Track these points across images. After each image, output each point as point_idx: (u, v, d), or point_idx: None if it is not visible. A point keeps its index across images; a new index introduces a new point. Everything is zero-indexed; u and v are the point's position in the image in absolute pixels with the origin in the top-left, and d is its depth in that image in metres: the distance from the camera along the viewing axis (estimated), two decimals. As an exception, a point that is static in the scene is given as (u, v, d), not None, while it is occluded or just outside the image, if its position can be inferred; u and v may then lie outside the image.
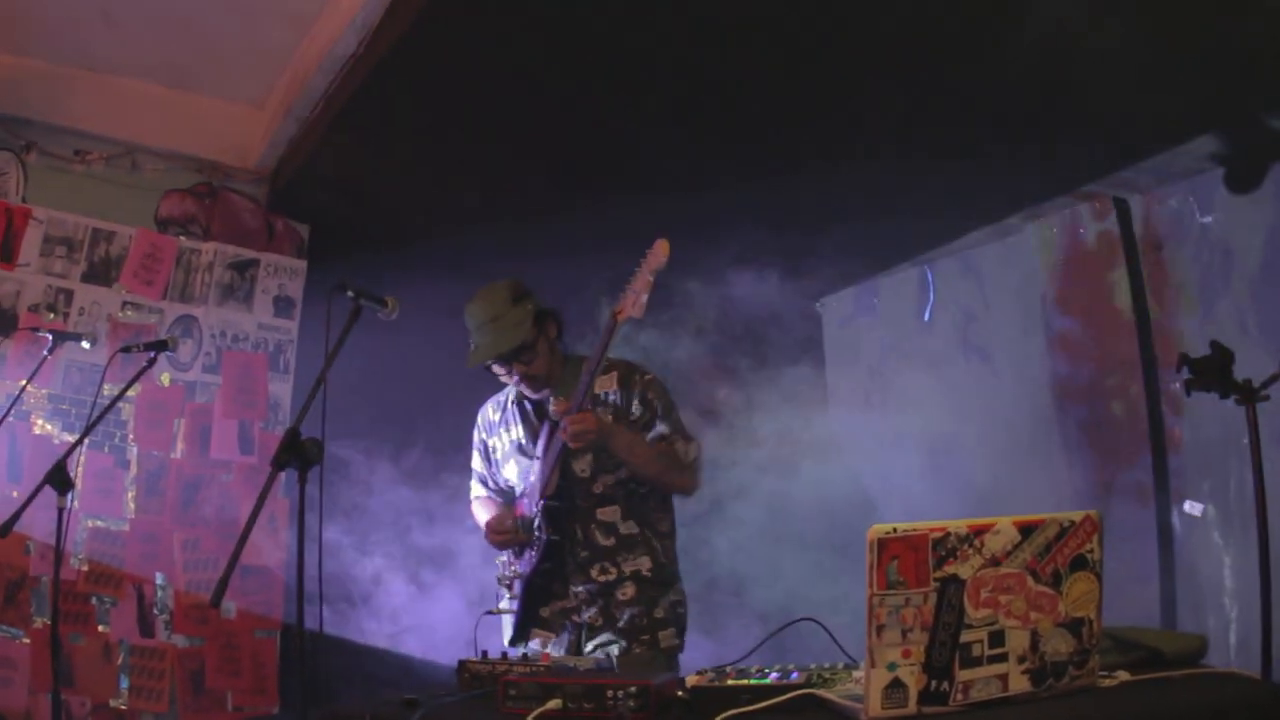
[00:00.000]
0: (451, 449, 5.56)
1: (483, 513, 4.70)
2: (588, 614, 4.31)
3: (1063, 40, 4.85)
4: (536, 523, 4.26)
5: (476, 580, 6.22)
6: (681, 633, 4.39)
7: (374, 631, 6.63)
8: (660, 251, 3.96)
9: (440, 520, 6.43)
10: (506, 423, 4.65)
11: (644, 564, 4.33)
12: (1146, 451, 6.13)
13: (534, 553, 4.29)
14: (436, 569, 6.55)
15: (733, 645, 4.53)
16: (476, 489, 4.86)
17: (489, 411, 4.77)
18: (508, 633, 4.46)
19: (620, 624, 4.28)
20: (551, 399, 4.34)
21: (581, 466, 4.33)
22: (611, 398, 4.41)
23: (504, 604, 4.48)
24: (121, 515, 6.21)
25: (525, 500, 4.42)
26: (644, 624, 4.28)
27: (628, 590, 4.29)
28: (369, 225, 7.06)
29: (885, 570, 2.13)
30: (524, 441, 4.54)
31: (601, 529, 4.34)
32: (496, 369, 4.41)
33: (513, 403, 4.64)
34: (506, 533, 4.35)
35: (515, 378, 4.39)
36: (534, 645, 4.37)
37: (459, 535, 6.22)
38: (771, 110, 5.62)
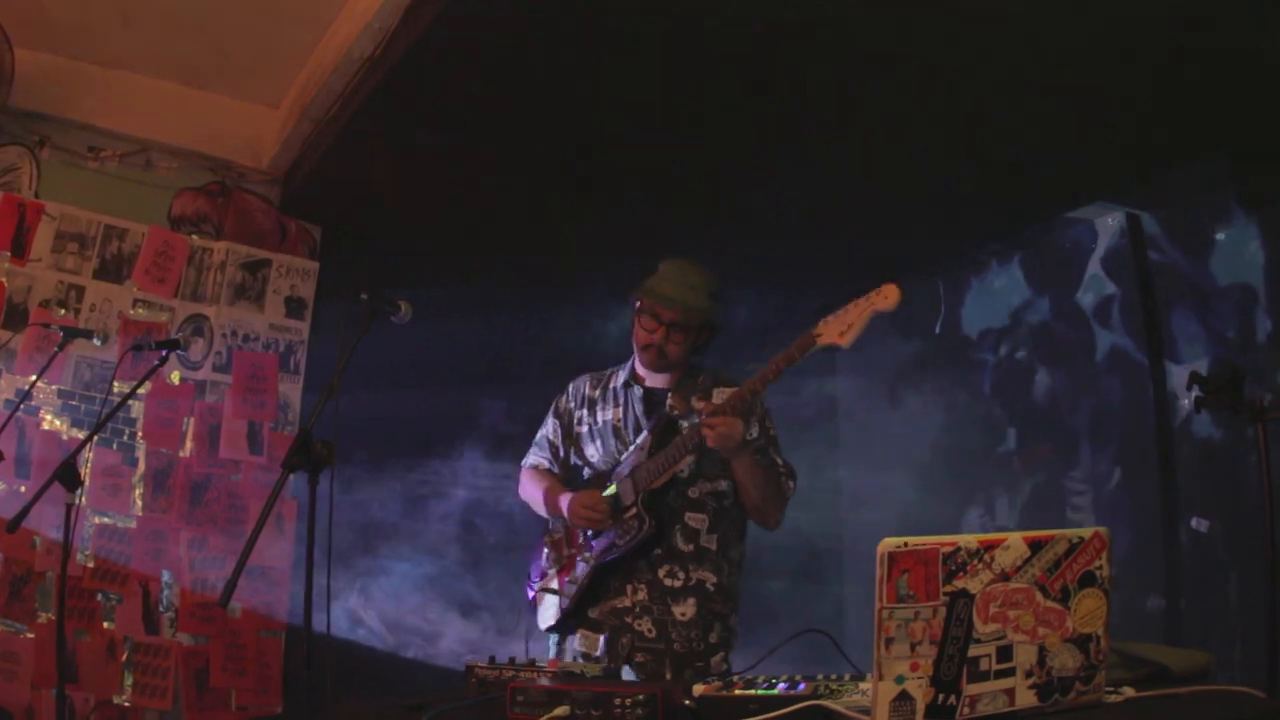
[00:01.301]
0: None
1: (537, 481, 4.59)
2: (641, 623, 4.20)
3: (1074, 54, 4.87)
4: (635, 510, 4.18)
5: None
6: (728, 658, 4.27)
7: (380, 633, 6.64)
8: (890, 295, 3.58)
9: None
10: (606, 401, 4.53)
11: (710, 578, 4.25)
12: (1154, 466, 6.14)
13: (616, 538, 4.21)
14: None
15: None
16: (537, 457, 4.73)
17: (586, 386, 4.65)
18: (549, 615, 4.39)
19: (675, 645, 4.17)
20: (670, 395, 4.30)
21: (683, 467, 4.22)
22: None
23: (553, 584, 4.39)
24: (129, 512, 6.21)
25: (615, 484, 4.29)
26: (700, 649, 4.18)
27: (688, 610, 4.19)
28: (382, 228, 7.08)
29: (895, 584, 2.13)
30: (621, 425, 4.45)
31: (685, 533, 4.25)
32: (660, 312, 4.25)
33: (622, 385, 4.53)
34: (599, 512, 4.24)
35: (650, 340, 4.28)
36: (576, 645, 4.30)
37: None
38: (781, 118, 5.64)
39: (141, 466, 6.30)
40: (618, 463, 4.36)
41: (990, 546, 2.23)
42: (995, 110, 5.39)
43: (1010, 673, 2.25)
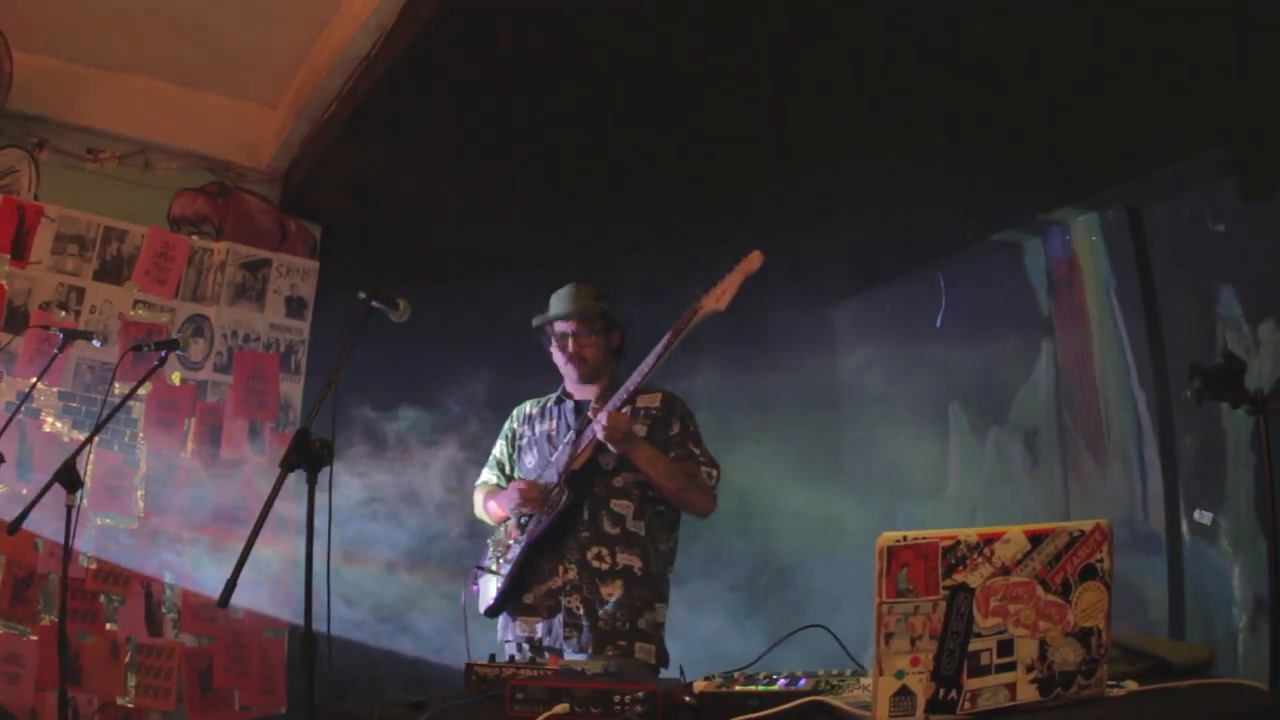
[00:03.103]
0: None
1: (486, 494, 4.84)
2: (571, 599, 4.37)
3: (1073, 48, 4.86)
4: (558, 489, 4.40)
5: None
6: (661, 656, 4.42)
7: (382, 632, 6.63)
8: (755, 259, 4.16)
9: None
10: (543, 417, 4.82)
11: (636, 563, 4.42)
12: (1155, 460, 6.13)
13: (545, 515, 4.41)
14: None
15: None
16: (487, 475, 4.99)
17: (527, 406, 4.94)
18: (487, 599, 4.59)
19: (600, 621, 4.33)
20: (593, 402, 4.57)
21: (607, 459, 4.45)
22: (654, 412, 4.58)
23: (492, 567, 4.59)
24: (130, 514, 6.22)
25: (545, 475, 4.57)
26: (625, 629, 4.33)
27: (614, 590, 4.37)
28: (382, 226, 7.09)
29: (894, 578, 2.12)
30: (552, 434, 4.70)
31: (610, 517, 4.46)
32: (558, 327, 4.65)
33: (555, 402, 4.81)
34: (531, 490, 4.49)
35: (565, 355, 4.62)
36: (516, 631, 4.48)
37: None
38: (782, 112, 5.63)
39: (143, 468, 6.30)
40: (550, 465, 4.60)
41: (990, 540, 2.22)
42: (999, 103, 5.38)
43: (1011, 667, 2.24)
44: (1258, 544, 5.43)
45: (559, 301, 4.69)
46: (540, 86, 5.48)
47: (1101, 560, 2.35)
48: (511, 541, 4.54)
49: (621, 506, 4.47)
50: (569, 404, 4.75)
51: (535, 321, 4.74)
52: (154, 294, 6.54)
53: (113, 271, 6.45)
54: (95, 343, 5.65)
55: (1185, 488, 6.00)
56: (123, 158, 6.63)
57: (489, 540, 4.71)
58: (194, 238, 6.76)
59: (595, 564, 4.39)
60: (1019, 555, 2.25)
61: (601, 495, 4.47)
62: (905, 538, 2.14)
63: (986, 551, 2.21)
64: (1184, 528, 5.96)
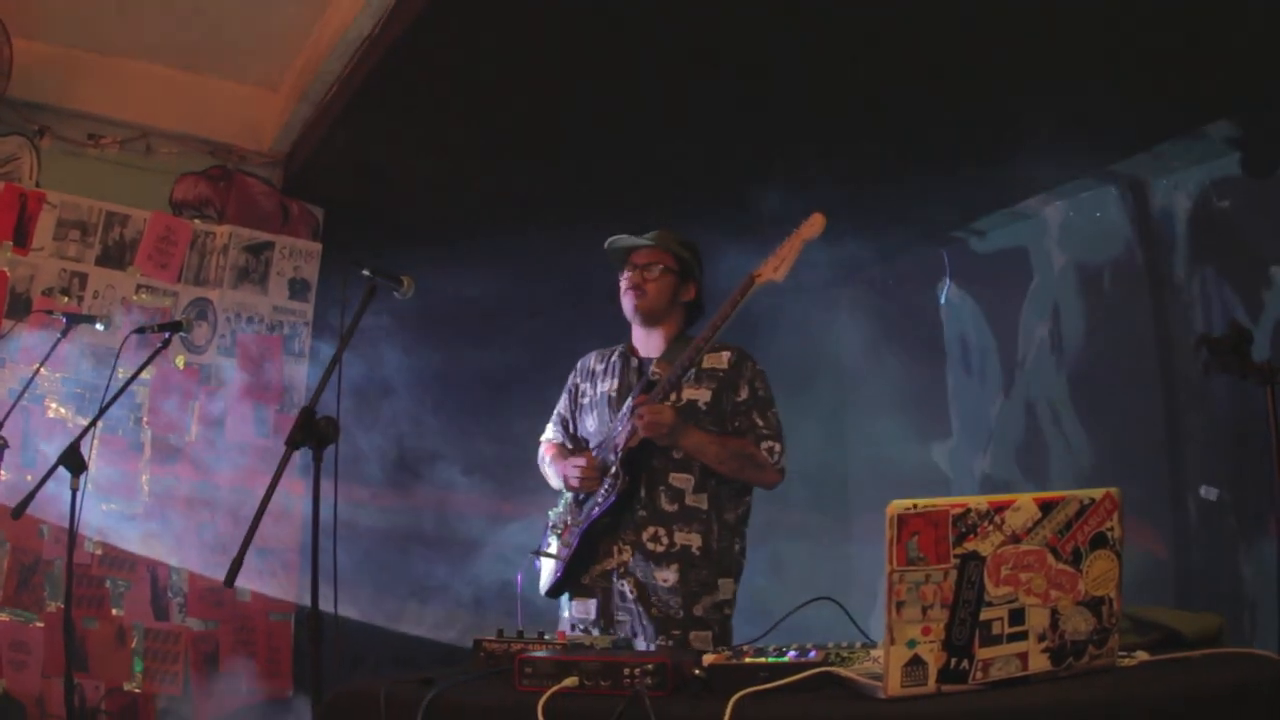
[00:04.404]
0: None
1: (549, 456, 4.64)
2: (625, 583, 4.20)
3: (1080, 21, 4.84)
4: (614, 469, 4.20)
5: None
6: (721, 641, 4.17)
7: (390, 612, 6.64)
8: (816, 223, 3.94)
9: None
10: (606, 374, 4.58)
11: (695, 541, 4.20)
12: (1163, 435, 6.12)
13: (602, 499, 4.22)
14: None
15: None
16: (551, 431, 4.77)
17: (592, 360, 4.70)
18: (546, 580, 4.42)
19: (653, 608, 4.15)
20: (655, 362, 4.34)
21: None
22: (719, 374, 4.34)
23: (553, 549, 4.40)
24: (136, 498, 6.21)
25: (599, 451, 4.36)
26: (679, 617, 4.14)
27: (670, 575, 4.16)
28: (384, 208, 7.07)
29: (905, 546, 2.11)
30: (614, 396, 4.47)
31: (669, 493, 4.23)
32: (629, 261, 4.49)
33: (619, 355, 4.59)
34: (588, 469, 4.29)
35: (627, 283, 4.45)
36: (574, 612, 4.33)
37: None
38: (785, 92, 5.61)
39: (148, 452, 6.30)
40: (608, 439, 4.37)
41: (1000, 508, 2.21)
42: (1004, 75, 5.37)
43: (1023, 636, 2.23)
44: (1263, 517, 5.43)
45: (628, 236, 4.50)
46: (543, 67, 5.46)
47: (1112, 529, 2.34)
48: (569, 520, 4.35)
49: (681, 480, 4.24)
50: (633, 361, 4.52)
51: (608, 244, 4.53)
52: (157, 278, 6.53)
53: (115, 257, 6.45)
54: (98, 327, 5.64)
55: (1191, 461, 5.99)
56: (124, 143, 6.62)
57: (550, 514, 4.51)
58: (196, 221, 6.75)
59: (650, 546, 4.18)
60: (1029, 523, 2.24)
61: (660, 469, 4.25)
62: (916, 505, 2.13)
63: (997, 519, 2.20)
64: (1190, 503, 5.95)
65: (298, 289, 6.94)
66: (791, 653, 2.51)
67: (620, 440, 4.23)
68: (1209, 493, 5.84)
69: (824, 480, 8.00)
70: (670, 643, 4.08)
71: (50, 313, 5.91)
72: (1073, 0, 4.67)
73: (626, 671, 2.43)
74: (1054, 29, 4.89)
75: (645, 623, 4.15)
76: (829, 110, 5.76)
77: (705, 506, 4.25)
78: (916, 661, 2.13)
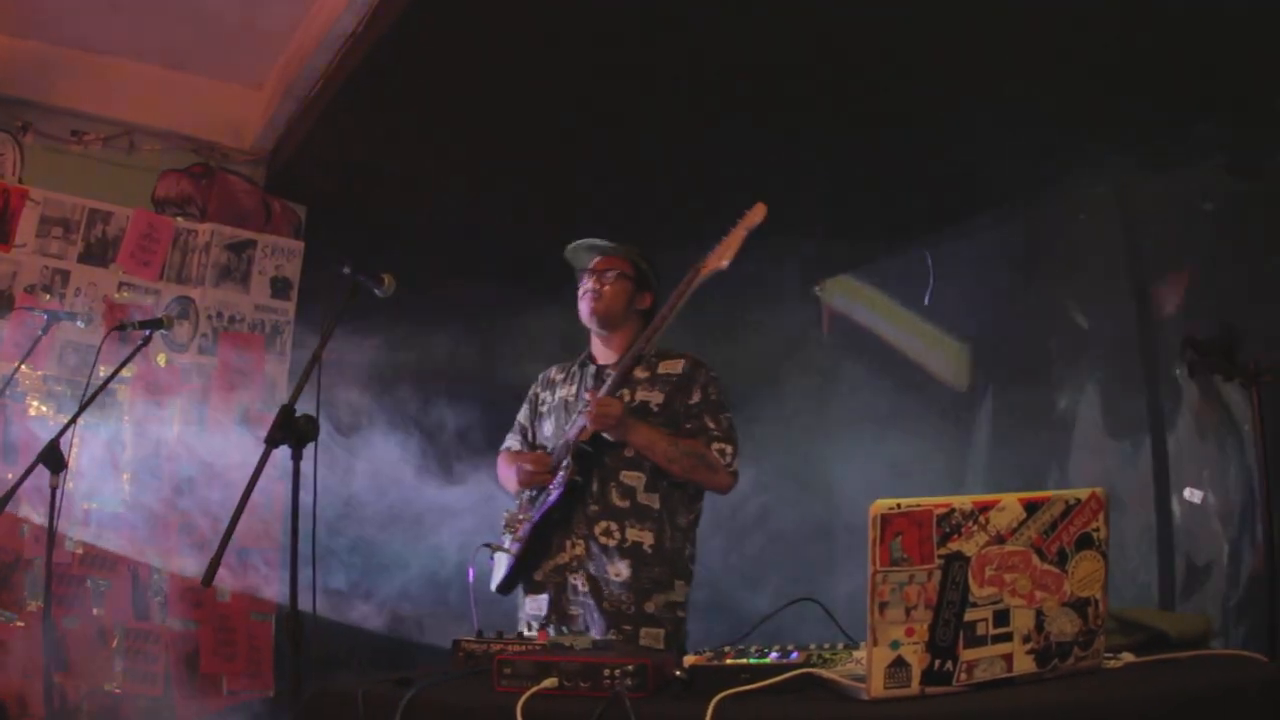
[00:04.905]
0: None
1: (505, 461, 4.68)
2: (577, 577, 4.24)
3: (1061, 22, 4.84)
4: (565, 462, 4.23)
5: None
6: (674, 640, 4.21)
7: (369, 612, 6.59)
8: (758, 212, 4.04)
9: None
10: (565, 381, 4.64)
11: (647, 539, 4.23)
12: (1146, 435, 6.11)
13: (552, 494, 4.26)
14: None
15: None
16: (510, 441, 4.80)
17: (553, 371, 4.77)
18: (498, 575, 4.45)
19: (605, 602, 4.18)
20: (611, 366, 4.41)
21: None
22: (674, 378, 4.40)
23: (506, 545, 4.44)
24: (117, 497, 6.18)
25: (554, 452, 4.41)
26: (630, 612, 4.16)
27: (622, 570, 4.19)
28: (367, 206, 7.04)
29: (889, 546, 2.10)
30: (571, 400, 4.52)
31: (620, 490, 4.27)
32: (584, 268, 4.58)
33: (578, 364, 4.65)
34: (539, 464, 4.38)
35: (586, 289, 4.51)
36: (527, 609, 4.36)
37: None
38: (771, 89, 5.60)
39: (129, 450, 6.26)
40: (562, 435, 4.43)
41: (985, 508, 2.20)
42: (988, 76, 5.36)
43: (1008, 638, 2.22)
44: (1248, 518, 5.42)
45: (585, 243, 4.59)
46: (529, 63, 5.44)
47: (1098, 529, 2.33)
48: (522, 517, 4.40)
49: (632, 478, 4.28)
50: (591, 369, 4.59)
51: (569, 249, 4.61)
52: (139, 276, 6.50)
53: (98, 254, 6.42)
54: (79, 324, 5.63)
55: (1175, 464, 5.98)
56: (107, 140, 6.59)
57: (504, 520, 4.54)
58: (178, 219, 6.72)
59: (603, 540, 4.21)
60: (1014, 523, 2.23)
61: (612, 466, 4.28)
62: (899, 505, 2.11)
63: (981, 519, 2.19)
64: (1174, 505, 5.94)
65: (279, 287, 6.90)
66: (773, 654, 2.49)
67: (572, 435, 4.27)
68: (1193, 495, 5.83)
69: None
70: (621, 637, 4.11)
71: (32, 310, 5.89)
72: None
73: (606, 672, 2.42)
74: (1037, 29, 4.90)
75: (597, 616, 4.18)
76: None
77: (657, 506, 4.30)
78: (900, 663, 2.12)
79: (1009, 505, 2.23)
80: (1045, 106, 5.49)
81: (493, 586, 4.47)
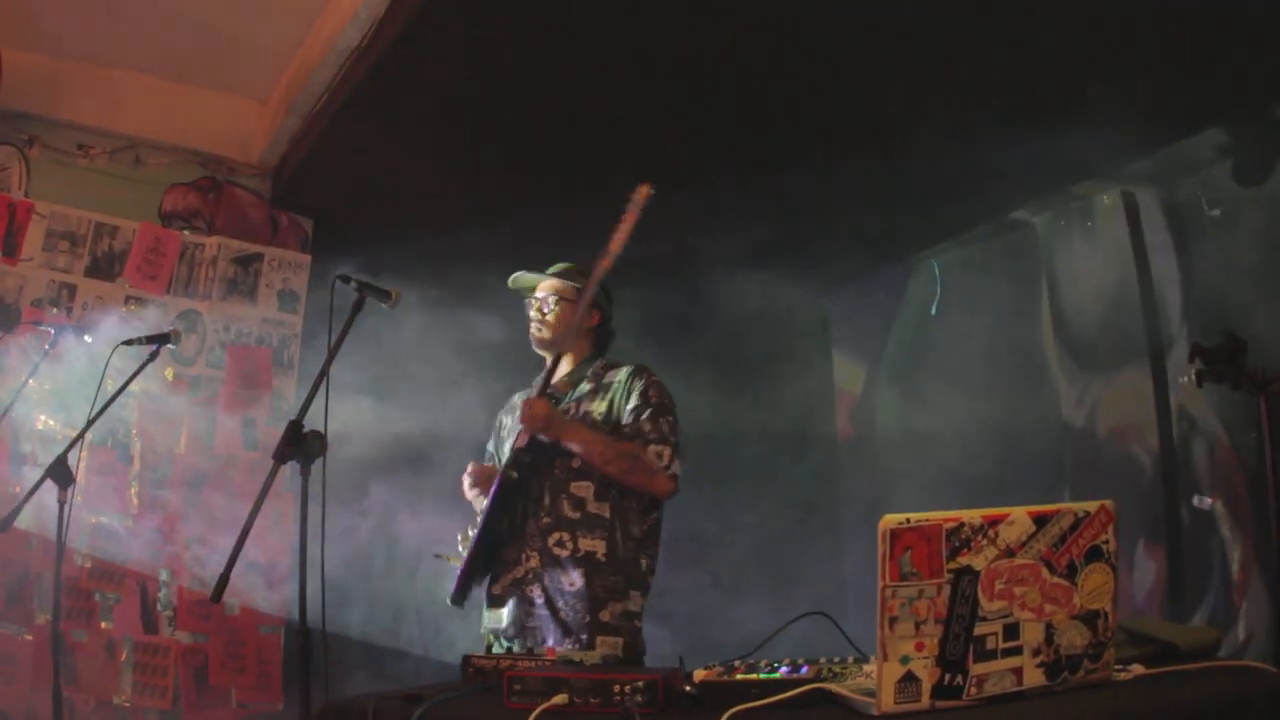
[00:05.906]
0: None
1: (466, 487, 4.65)
2: (533, 589, 4.21)
3: (1068, 30, 4.84)
4: (507, 462, 4.24)
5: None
6: (631, 650, 4.18)
7: (379, 626, 6.60)
8: (641, 192, 4.19)
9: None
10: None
11: (599, 548, 4.22)
12: (1154, 443, 6.11)
13: (489, 497, 4.26)
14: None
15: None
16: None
17: (516, 397, 4.78)
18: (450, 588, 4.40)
19: (560, 613, 4.16)
20: (559, 380, 4.47)
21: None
22: (615, 386, 4.42)
23: (450, 556, 4.43)
24: (125, 511, 6.18)
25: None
26: (585, 621, 4.14)
27: (575, 580, 4.18)
28: (373, 219, 7.04)
29: (898, 561, 2.09)
30: None
31: (571, 501, 4.27)
32: (529, 300, 4.61)
33: (536, 390, 4.62)
34: (481, 472, 4.42)
35: (532, 319, 4.55)
36: (488, 623, 4.36)
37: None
38: (774, 103, 5.60)
39: (137, 464, 6.27)
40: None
41: (994, 522, 2.19)
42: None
43: (1017, 651, 2.22)
44: (1258, 526, 5.41)
45: (528, 273, 4.65)
46: (533, 76, 5.45)
47: (1107, 542, 2.33)
48: (471, 529, 4.37)
49: (581, 488, 4.27)
50: (546, 391, 4.54)
51: (510, 282, 4.67)
52: (146, 290, 6.50)
53: (104, 268, 6.42)
54: (87, 339, 5.62)
55: (1184, 470, 5.97)
56: (113, 153, 6.61)
57: (460, 537, 4.51)
58: (185, 233, 6.73)
59: (556, 550, 4.20)
60: (1023, 537, 2.22)
61: (561, 478, 4.29)
62: (909, 520, 2.11)
63: (991, 534, 2.19)
64: (1183, 512, 5.93)
65: (287, 301, 6.91)
66: (783, 669, 2.48)
67: (513, 445, 4.29)
68: (1202, 502, 5.82)
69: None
70: (577, 646, 4.09)
71: (39, 324, 5.89)
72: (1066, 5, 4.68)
73: (616, 689, 2.41)
74: (1050, 35, 4.90)
75: (553, 626, 4.17)
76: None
77: (608, 515, 4.29)
78: (910, 677, 2.12)
79: (1018, 519, 2.22)
80: (1054, 112, 5.50)
81: (448, 601, 4.40)
